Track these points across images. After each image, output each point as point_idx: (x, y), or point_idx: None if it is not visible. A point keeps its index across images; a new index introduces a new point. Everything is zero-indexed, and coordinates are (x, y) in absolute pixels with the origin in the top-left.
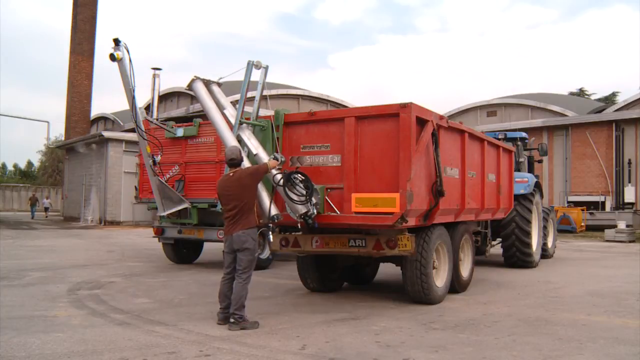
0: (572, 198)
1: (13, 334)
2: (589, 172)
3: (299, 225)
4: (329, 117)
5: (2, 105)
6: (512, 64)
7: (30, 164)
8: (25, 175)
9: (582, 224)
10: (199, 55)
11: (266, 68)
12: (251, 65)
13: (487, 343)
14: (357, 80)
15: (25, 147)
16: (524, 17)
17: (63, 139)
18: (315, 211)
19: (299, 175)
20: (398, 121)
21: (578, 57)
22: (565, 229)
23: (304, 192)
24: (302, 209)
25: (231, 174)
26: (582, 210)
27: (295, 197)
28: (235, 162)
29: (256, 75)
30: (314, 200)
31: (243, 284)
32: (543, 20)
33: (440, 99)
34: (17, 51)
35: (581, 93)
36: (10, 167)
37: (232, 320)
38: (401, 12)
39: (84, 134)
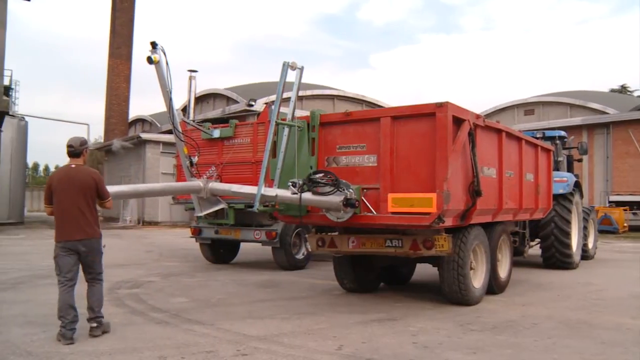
0: (613, 198)
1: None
2: (631, 171)
3: (342, 210)
4: (364, 117)
5: (47, 109)
6: (555, 61)
7: None
8: None
9: (625, 224)
10: (243, 57)
11: (301, 69)
12: (286, 66)
13: (526, 345)
14: (397, 80)
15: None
16: (572, 12)
17: (102, 141)
18: (352, 191)
19: (317, 174)
20: (434, 121)
21: (621, 52)
22: (607, 229)
23: (330, 180)
24: (338, 197)
25: (73, 166)
26: (625, 210)
27: (327, 190)
28: (73, 151)
29: (292, 76)
30: (342, 187)
31: (101, 286)
32: (590, 15)
33: (478, 97)
34: (59, 56)
35: (623, 90)
36: (52, 169)
37: (94, 325)
38: (446, 12)
39: (123, 136)
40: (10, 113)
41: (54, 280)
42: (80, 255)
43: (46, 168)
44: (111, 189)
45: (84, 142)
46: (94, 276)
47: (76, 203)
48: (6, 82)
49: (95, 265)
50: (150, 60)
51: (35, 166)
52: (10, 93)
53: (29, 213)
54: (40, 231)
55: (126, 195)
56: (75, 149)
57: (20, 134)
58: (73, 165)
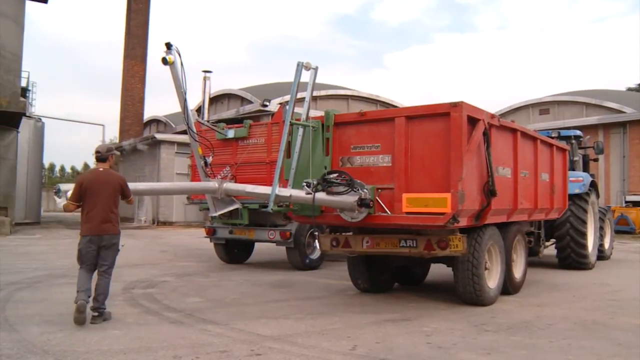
0: (630, 198)
1: (74, 329)
2: None
3: (357, 210)
4: (379, 117)
5: (59, 110)
6: (571, 60)
7: (87, 165)
8: None
9: None
10: (257, 57)
11: (316, 69)
12: (301, 67)
13: (541, 346)
14: (411, 80)
15: (83, 150)
16: (588, 10)
17: (117, 141)
18: (366, 191)
19: (331, 174)
20: (449, 120)
21: (638, 51)
22: (624, 229)
23: (344, 180)
24: (353, 197)
25: (101, 170)
26: None
27: (341, 190)
28: (100, 157)
29: (306, 77)
30: (356, 187)
31: (109, 280)
32: (607, 13)
33: (493, 97)
34: (73, 58)
35: None
36: (68, 170)
37: (96, 314)
38: (460, 11)
39: (138, 136)
40: (27, 114)
41: (70, 279)
42: (100, 248)
43: (62, 169)
44: (131, 185)
45: (110, 149)
46: (105, 269)
47: (102, 202)
48: (23, 83)
49: (110, 258)
50: (165, 61)
51: (51, 167)
52: (27, 94)
53: (45, 213)
54: (56, 231)
55: (143, 192)
56: (102, 155)
57: (37, 135)
58: (101, 169)
